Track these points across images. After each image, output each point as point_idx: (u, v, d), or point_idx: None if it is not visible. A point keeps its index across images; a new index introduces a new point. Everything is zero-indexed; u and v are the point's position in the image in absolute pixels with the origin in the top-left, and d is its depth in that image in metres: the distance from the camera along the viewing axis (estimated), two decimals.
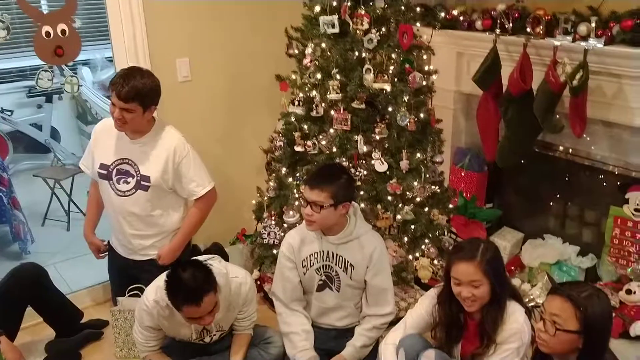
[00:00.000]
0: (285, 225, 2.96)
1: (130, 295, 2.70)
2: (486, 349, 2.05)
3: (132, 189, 2.59)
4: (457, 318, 2.13)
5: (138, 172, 2.58)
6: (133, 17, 2.93)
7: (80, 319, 2.97)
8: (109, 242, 2.84)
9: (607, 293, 1.78)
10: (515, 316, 2.03)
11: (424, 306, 2.24)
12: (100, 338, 2.98)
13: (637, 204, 2.85)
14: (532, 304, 3.06)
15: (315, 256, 2.43)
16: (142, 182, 2.58)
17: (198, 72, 3.26)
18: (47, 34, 2.70)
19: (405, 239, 2.95)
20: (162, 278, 2.24)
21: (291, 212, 2.93)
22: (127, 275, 2.76)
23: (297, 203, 2.92)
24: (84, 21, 4.42)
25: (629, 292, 2.83)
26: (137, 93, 2.40)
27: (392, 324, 2.43)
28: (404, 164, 2.81)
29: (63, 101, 5.40)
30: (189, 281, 2.11)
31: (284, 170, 3.00)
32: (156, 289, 2.28)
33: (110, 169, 2.60)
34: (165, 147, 2.58)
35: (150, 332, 2.41)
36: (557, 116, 2.94)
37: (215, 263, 2.29)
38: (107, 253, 2.86)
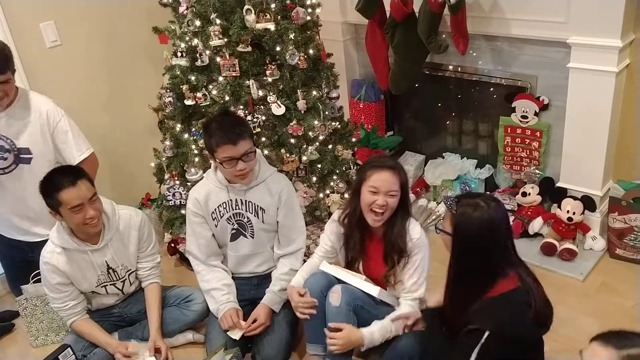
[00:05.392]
0: (188, 184, 2.87)
1: (35, 282, 2.56)
2: (396, 264, 2.12)
3: (11, 165, 2.43)
4: (361, 234, 2.19)
5: (14, 146, 2.41)
6: None
7: None
8: None
9: (503, 204, 1.82)
10: (415, 229, 2.14)
11: (327, 232, 2.33)
12: (12, 329, 2.86)
13: (523, 111, 3.00)
14: (439, 220, 3.21)
15: (224, 206, 2.39)
16: (21, 156, 2.42)
17: (68, 35, 3.02)
18: None
19: (314, 178, 2.95)
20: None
21: (193, 170, 2.84)
22: (24, 262, 2.59)
23: (197, 159, 2.83)
24: None
25: (524, 194, 3.02)
26: (7, 59, 2.25)
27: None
28: (301, 104, 2.78)
29: None
30: (63, 168, 2.29)
31: (178, 127, 2.88)
32: (48, 244, 2.33)
33: None
34: (36, 114, 2.43)
35: (61, 292, 2.35)
36: (444, 36, 3.00)
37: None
38: None
